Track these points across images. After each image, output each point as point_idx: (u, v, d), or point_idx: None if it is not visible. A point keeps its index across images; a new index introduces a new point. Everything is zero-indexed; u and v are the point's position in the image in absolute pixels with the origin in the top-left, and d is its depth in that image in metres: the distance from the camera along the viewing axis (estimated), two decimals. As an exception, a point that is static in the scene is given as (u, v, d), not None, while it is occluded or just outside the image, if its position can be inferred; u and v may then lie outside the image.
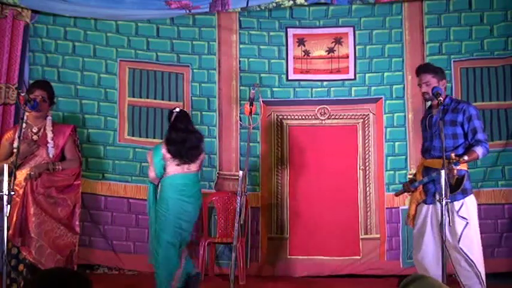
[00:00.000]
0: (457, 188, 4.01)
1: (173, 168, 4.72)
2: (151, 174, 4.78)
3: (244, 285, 5.50)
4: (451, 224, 3.88)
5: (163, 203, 4.68)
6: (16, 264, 4.26)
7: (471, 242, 4.11)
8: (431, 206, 4.25)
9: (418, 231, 4.32)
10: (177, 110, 4.92)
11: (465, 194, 4.15)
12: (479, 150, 4.11)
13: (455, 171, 3.90)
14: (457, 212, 4.10)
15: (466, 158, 4.06)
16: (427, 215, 4.28)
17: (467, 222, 4.08)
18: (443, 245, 3.86)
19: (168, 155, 4.71)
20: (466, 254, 4.08)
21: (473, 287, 4.11)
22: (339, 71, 6.18)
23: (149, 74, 6.19)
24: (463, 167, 4.13)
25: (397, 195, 4.78)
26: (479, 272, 4.10)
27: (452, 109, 4.27)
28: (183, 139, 4.73)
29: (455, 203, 4.10)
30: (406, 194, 4.66)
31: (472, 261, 4.10)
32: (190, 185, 4.75)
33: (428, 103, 4.70)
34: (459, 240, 4.08)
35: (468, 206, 4.15)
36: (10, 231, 4.14)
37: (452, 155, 3.92)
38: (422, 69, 4.40)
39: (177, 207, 4.64)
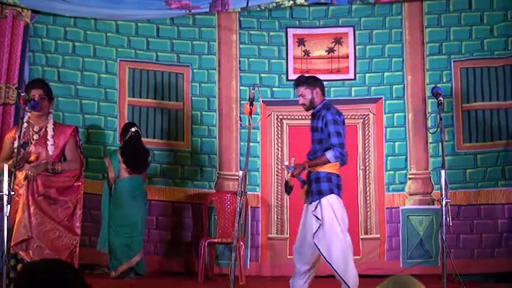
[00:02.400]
0: (288, 190, 4.31)
1: (122, 173, 5.63)
2: (112, 174, 5.64)
3: (244, 285, 5.49)
4: (451, 224, 3.88)
5: (117, 203, 5.57)
6: (15, 264, 4.24)
7: (326, 241, 4.10)
8: (305, 205, 4.32)
9: None
10: (133, 130, 5.67)
11: (321, 195, 4.16)
12: (329, 154, 4.17)
13: (288, 175, 4.23)
14: (313, 211, 4.16)
15: (311, 162, 4.21)
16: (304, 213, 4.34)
17: (320, 223, 4.11)
18: (444, 244, 3.86)
19: (123, 165, 5.60)
20: (319, 250, 4.10)
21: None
22: (339, 71, 6.18)
23: (149, 74, 6.19)
24: (324, 169, 4.19)
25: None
26: (337, 270, 4.09)
27: (317, 116, 4.34)
28: (136, 154, 5.65)
29: (313, 203, 4.17)
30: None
31: (325, 257, 4.10)
32: (137, 185, 5.65)
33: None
34: (313, 236, 4.12)
35: (322, 207, 4.14)
36: (12, 243, 4.14)
37: (292, 160, 4.19)
38: (295, 83, 4.49)
39: (128, 205, 5.54)
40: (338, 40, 6.21)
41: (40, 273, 1.72)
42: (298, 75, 6.20)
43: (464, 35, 6.04)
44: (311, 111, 4.41)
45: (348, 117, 6.13)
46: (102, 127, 6.06)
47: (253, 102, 4.09)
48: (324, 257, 4.11)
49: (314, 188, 4.19)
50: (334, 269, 4.11)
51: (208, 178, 6.13)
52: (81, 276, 1.76)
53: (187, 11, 5.96)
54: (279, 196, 6.12)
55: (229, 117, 6.19)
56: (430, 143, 5.98)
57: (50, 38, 6.02)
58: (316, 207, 4.15)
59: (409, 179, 6.01)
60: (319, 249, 4.11)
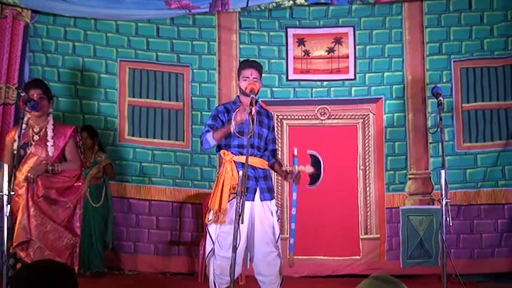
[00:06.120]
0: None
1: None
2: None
3: (244, 285, 5.49)
4: (451, 224, 3.88)
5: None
6: (14, 263, 4.24)
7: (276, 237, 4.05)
8: (250, 202, 3.99)
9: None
10: None
11: (272, 192, 4.13)
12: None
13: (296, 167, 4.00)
14: (276, 211, 4.07)
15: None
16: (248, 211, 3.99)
17: (278, 218, 4.10)
18: (444, 244, 3.86)
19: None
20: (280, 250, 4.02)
21: (275, 282, 3.99)
22: (339, 71, 6.18)
23: (149, 74, 6.19)
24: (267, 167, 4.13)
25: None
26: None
27: (266, 114, 4.18)
28: None
29: (272, 200, 4.07)
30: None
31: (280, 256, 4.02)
32: None
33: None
34: (278, 239, 4.02)
35: (274, 204, 4.11)
36: (14, 244, 4.14)
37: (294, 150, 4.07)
38: (256, 66, 4.10)
39: None
40: (338, 40, 6.21)
41: (37, 274, 1.73)
42: (298, 75, 6.27)
43: (464, 35, 6.04)
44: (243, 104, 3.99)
45: (348, 117, 6.16)
46: (102, 127, 6.06)
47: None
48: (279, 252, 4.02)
49: (270, 185, 4.11)
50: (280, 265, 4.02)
51: (208, 178, 6.12)
52: (75, 278, 1.78)
53: (187, 11, 5.96)
54: (279, 196, 6.12)
55: (229, 117, 6.18)
56: (430, 143, 5.99)
57: (50, 38, 6.03)
58: (271, 204, 4.07)
59: (409, 179, 6.01)
60: (278, 247, 4.02)
